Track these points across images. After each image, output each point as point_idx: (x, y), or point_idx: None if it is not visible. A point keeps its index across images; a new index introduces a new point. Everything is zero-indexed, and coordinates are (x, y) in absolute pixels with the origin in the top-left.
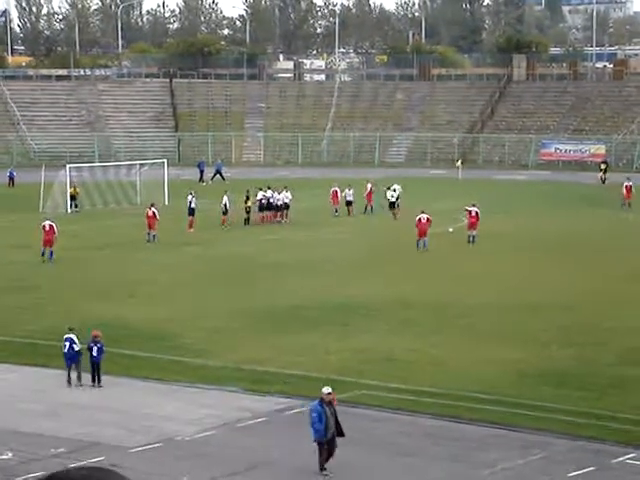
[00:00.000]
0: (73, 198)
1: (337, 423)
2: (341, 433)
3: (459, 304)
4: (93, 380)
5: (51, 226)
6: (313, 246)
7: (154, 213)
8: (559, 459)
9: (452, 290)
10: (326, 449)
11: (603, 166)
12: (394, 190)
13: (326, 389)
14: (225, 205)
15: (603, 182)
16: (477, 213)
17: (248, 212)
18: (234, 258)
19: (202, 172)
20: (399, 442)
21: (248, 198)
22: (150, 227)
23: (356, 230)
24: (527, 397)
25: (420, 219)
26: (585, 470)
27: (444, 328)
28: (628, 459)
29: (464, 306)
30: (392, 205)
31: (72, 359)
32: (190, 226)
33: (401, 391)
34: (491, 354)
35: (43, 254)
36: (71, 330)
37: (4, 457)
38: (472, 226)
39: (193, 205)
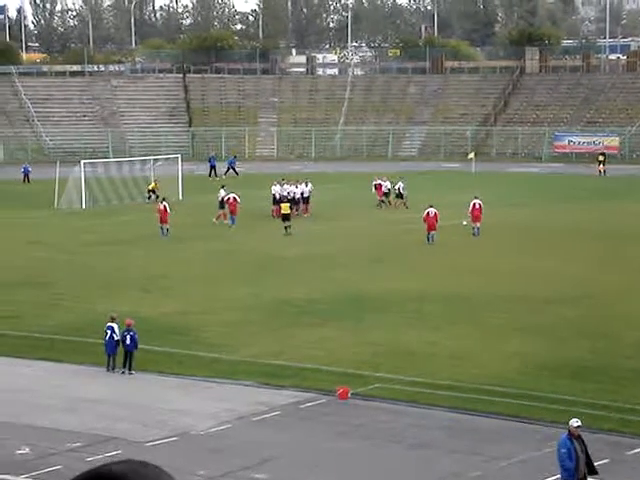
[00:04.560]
0: (153, 192)
1: (588, 460)
2: (593, 471)
3: (473, 297)
4: (124, 366)
5: (164, 206)
6: (327, 240)
7: (165, 207)
8: None
9: (465, 283)
10: None
11: (601, 158)
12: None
13: (575, 421)
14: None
15: (600, 173)
16: (480, 205)
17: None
18: (249, 252)
19: (213, 167)
20: (415, 435)
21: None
22: (162, 221)
23: (370, 224)
24: (544, 390)
25: (428, 213)
26: (600, 462)
27: (459, 321)
28: None
29: (478, 299)
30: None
31: (111, 348)
32: (220, 217)
33: (416, 384)
34: (506, 347)
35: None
36: (113, 320)
37: (21, 452)
38: (476, 219)
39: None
